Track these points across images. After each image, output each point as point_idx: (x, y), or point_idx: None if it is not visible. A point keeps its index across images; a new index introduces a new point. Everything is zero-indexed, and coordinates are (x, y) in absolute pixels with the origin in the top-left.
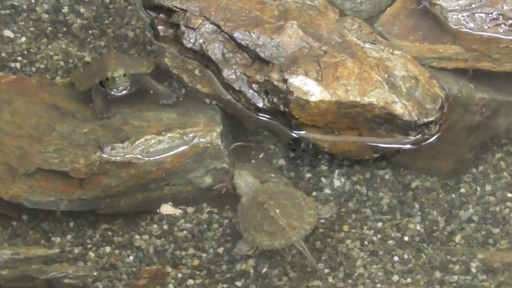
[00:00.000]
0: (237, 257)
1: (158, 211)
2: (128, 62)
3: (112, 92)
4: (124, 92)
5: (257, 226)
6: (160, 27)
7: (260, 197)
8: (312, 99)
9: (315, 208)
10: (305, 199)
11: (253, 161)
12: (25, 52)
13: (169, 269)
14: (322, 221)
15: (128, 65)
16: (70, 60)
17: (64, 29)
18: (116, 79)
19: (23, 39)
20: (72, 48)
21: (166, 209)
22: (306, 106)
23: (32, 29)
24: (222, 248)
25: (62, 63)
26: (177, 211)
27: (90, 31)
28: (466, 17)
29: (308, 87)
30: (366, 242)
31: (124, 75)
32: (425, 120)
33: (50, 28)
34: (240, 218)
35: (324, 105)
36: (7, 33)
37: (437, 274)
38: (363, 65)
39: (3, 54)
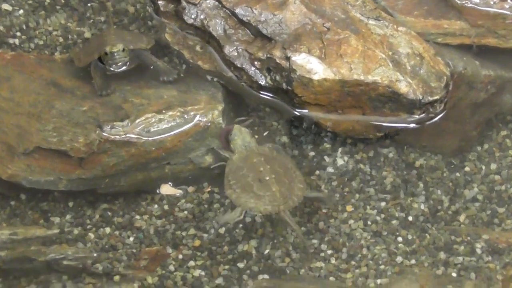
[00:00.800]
0: (239, 237)
1: (158, 191)
2: (127, 38)
3: (112, 68)
4: (124, 68)
5: (246, 187)
6: (160, 2)
7: (256, 159)
8: (315, 77)
9: (304, 182)
10: (296, 171)
11: (256, 136)
12: (24, 27)
13: (169, 250)
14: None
15: (127, 40)
16: (69, 36)
17: (62, 1)
18: (115, 54)
19: (21, 11)
20: (71, 24)
21: (166, 189)
22: (309, 84)
23: (30, 1)
24: (223, 229)
25: (61, 39)
26: (177, 192)
27: (89, 4)
28: None
29: (311, 65)
30: (369, 222)
31: (123, 50)
32: (430, 98)
33: (48, 1)
34: (227, 175)
35: (327, 84)
36: (5, 6)
37: (442, 255)
38: (367, 42)
39: (1, 28)
